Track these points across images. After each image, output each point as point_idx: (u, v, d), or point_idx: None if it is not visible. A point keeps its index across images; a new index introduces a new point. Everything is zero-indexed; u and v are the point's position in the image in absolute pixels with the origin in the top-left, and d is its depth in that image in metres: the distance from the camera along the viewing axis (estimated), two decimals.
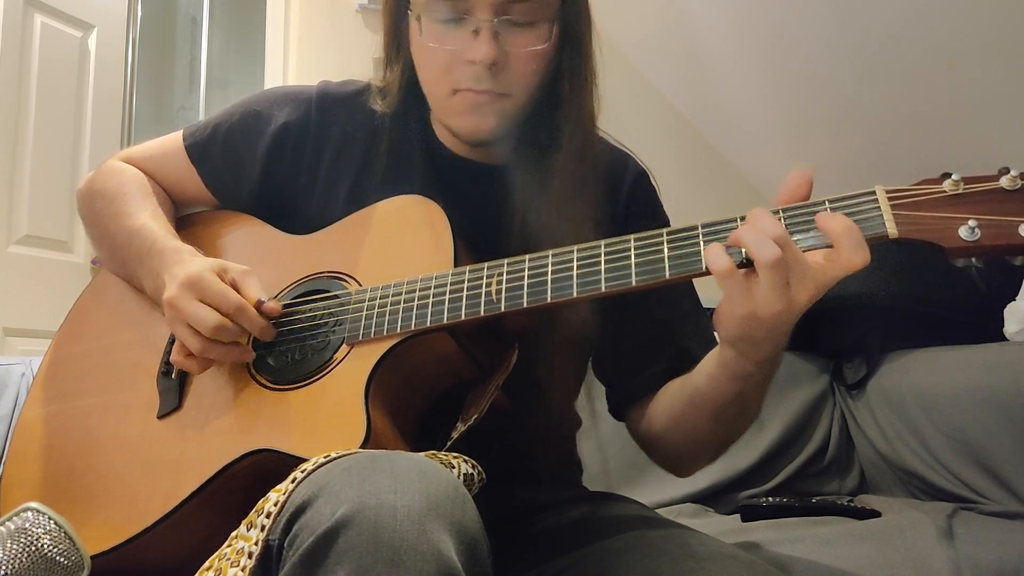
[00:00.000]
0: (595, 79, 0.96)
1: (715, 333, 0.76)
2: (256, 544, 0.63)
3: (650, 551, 0.78)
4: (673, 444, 0.93)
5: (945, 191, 0.67)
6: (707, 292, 1.03)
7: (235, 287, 0.87)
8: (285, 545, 0.61)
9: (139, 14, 3.19)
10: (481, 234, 0.90)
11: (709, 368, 0.82)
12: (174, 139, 1.07)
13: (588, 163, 0.95)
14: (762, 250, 0.67)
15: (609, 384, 1.03)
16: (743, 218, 0.71)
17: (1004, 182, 0.66)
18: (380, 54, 1.00)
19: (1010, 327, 1.71)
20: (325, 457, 0.67)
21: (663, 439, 0.94)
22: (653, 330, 0.97)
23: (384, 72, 0.99)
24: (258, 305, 0.86)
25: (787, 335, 0.72)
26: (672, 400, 0.92)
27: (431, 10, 0.88)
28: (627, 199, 1.00)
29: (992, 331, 1.74)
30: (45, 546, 0.71)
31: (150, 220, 0.98)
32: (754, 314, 0.69)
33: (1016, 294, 1.73)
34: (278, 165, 1.00)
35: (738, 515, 1.53)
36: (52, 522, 0.73)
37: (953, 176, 0.67)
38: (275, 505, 0.64)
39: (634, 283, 0.74)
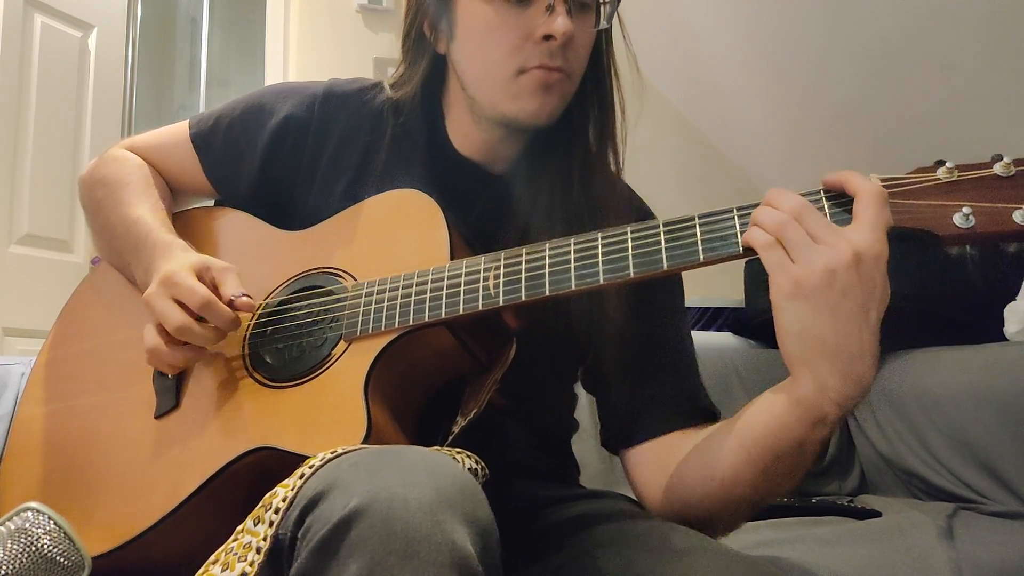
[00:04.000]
0: (620, 92, 0.96)
1: (784, 355, 0.68)
2: (264, 539, 0.63)
3: (632, 545, 0.78)
4: (696, 502, 0.82)
5: (939, 179, 0.67)
6: (710, 291, 1.03)
7: (215, 284, 0.87)
8: (298, 537, 0.60)
9: (139, 14, 3.19)
10: (480, 240, 0.89)
11: (772, 406, 0.73)
12: (179, 128, 1.07)
13: (599, 182, 0.94)
14: (770, 217, 0.67)
15: (607, 418, 0.97)
16: (739, 208, 0.72)
17: (998, 169, 0.65)
18: (399, 49, 0.99)
19: (1010, 327, 1.71)
20: (332, 453, 0.67)
21: (684, 496, 0.84)
22: (661, 371, 0.93)
23: (403, 67, 0.98)
24: (230, 301, 0.85)
25: (866, 355, 0.66)
26: (708, 449, 0.81)
27: None
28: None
29: (992, 331, 1.74)
30: (45, 546, 0.71)
31: (148, 212, 0.98)
32: (799, 285, 0.65)
33: (1016, 293, 1.73)
34: (278, 159, 0.99)
35: None
36: (52, 522, 0.73)
37: (947, 164, 0.67)
38: (283, 501, 0.64)
39: (632, 275, 0.73)
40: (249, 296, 0.87)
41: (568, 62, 0.88)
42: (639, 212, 1.02)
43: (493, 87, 0.90)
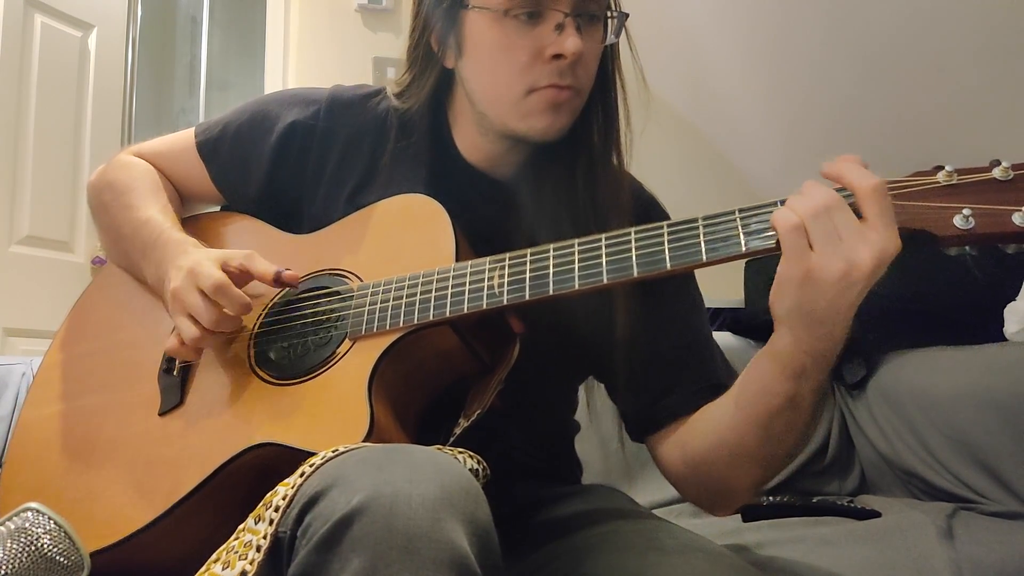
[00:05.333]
0: (626, 103, 0.95)
1: (771, 311, 0.72)
2: (265, 538, 0.63)
3: (619, 545, 0.78)
4: (714, 470, 0.86)
5: (939, 182, 0.68)
6: (709, 291, 1.03)
7: (244, 271, 0.88)
8: (298, 535, 0.61)
9: (139, 14, 3.19)
10: (485, 245, 0.88)
11: (759, 367, 0.77)
12: (185, 136, 1.07)
13: (604, 187, 0.94)
14: (802, 203, 0.67)
15: (627, 407, 0.97)
16: (741, 210, 0.72)
17: (997, 173, 0.67)
18: (399, 49, 0.99)
19: (1010, 327, 1.71)
20: (333, 451, 0.67)
21: (703, 466, 0.87)
22: (674, 353, 0.94)
23: (408, 76, 0.98)
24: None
25: (845, 323, 0.69)
26: (715, 418, 0.85)
27: (509, 7, 0.86)
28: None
29: (992, 331, 1.74)
30: (45, 546, 0.71)
31: (158, 214, 0.99)
32: (811, 274, 0.66)
33: (1016, 293, 1.73)
34: (284, 164, 1.00)
35: (738, 515, 1.53)
36: (52, 522, 0.73)
37: (947, 168, 0.68)
38: (283, 499, 0.64)
39: (636, 274, 0.74)
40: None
41: (578, 79, 0.88)
42: (649, 207, 1.01)
43: (503, 105, 0.90)
